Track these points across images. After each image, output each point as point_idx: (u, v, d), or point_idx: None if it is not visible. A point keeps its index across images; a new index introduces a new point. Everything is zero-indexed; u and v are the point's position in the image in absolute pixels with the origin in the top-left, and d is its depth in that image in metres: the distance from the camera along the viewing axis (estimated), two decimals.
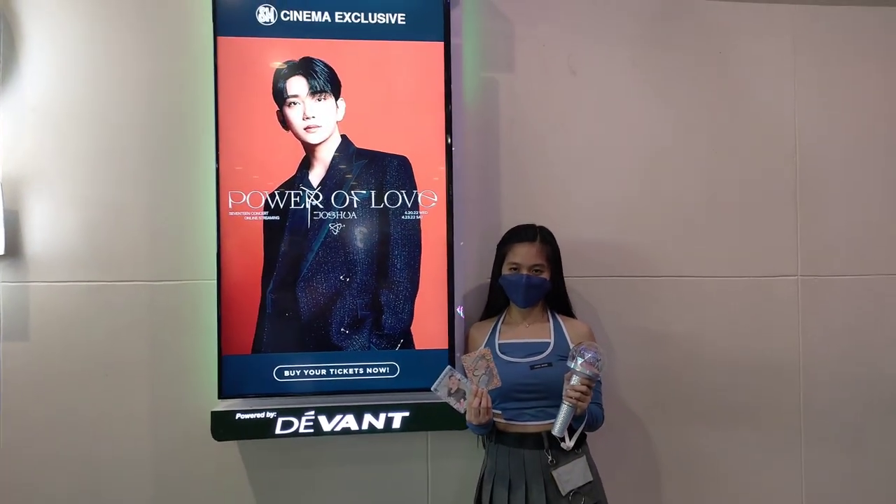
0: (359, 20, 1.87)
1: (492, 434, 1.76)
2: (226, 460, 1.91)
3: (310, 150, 1.86)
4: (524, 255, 1.77)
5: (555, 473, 1.66)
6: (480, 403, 1.62)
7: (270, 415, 1.81)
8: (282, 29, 1.84)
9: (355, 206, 1.86)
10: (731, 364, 2.13)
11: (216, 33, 1.82)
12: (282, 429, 1.81)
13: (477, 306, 1.97)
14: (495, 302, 1.89)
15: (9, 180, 1.85)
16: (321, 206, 1.85)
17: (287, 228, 1.84)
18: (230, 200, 1.82)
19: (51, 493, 1.86)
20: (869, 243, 2.20)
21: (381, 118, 1.88)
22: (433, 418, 1.85)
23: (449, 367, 1.68)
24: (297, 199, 1.84)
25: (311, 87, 1.84)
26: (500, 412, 1.73)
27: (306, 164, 1.85)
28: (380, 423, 1.84)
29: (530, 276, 1.76)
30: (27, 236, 1.86)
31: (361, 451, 1.96)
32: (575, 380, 1.61)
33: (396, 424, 1.85)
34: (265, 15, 1.84)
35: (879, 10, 2.23)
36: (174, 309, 1.90)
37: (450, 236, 1.89)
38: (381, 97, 1.88)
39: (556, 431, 1.62)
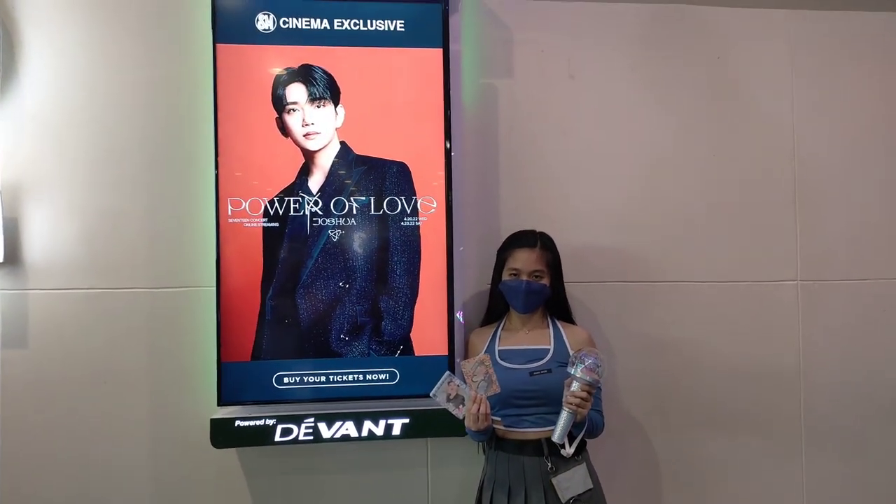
0: (358, 27, 1.87)
1: (491, 441, 1.76)
2: (225, 467, 1.91)
3: (309, 156, 1.86)
4: (524, 260, 1.77)
5: (554, 481, 1.65)
6: (479, 409, 1.62)
7: (270, 422, 1.80)
8: (281, 36, 1.85)
9: (355, 212, 1.86)
10: (732, 369, 2.13)
11: (215, 40, 1.83)
12: (281, 436, 1.81)
13: (477, 312, 1.97)
14: (495, 308, 1.89)
15: (8, 188, 1.85)
16: (320, 213, 1.85)
17: (286, 235, 1.84)
18: (229, 207, 1.82)
19: (49, 499, 1.86)
20: (868, 247, 2.20)
21: (381, 125, 1.88)
22: (433, 425, 1.85)
23: (448, 372, 1.68)
24: (297, 205, 1.84)
25: (310, 94, 1.85)
26: (499, 419, 1.72)
27: (305, 171, 1.86)
28: (380, 430, 1.84)
29: (530, 281, 1.76)
30: (26, 244, 1.86)
31: (361, 458, 1.96)
32: (575, 386, 1.61)
33: (396, 431, 1.84)
34: (264, 22, 1.84)
35: (876, 14, 2.24)
36: (173, 316, 1.90)
37: (449, 242, 1.89)
38: (380, 104, 1.88)
39: (555, 438, 1.61)
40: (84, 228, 1.88)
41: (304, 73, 1.85)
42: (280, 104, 1.84)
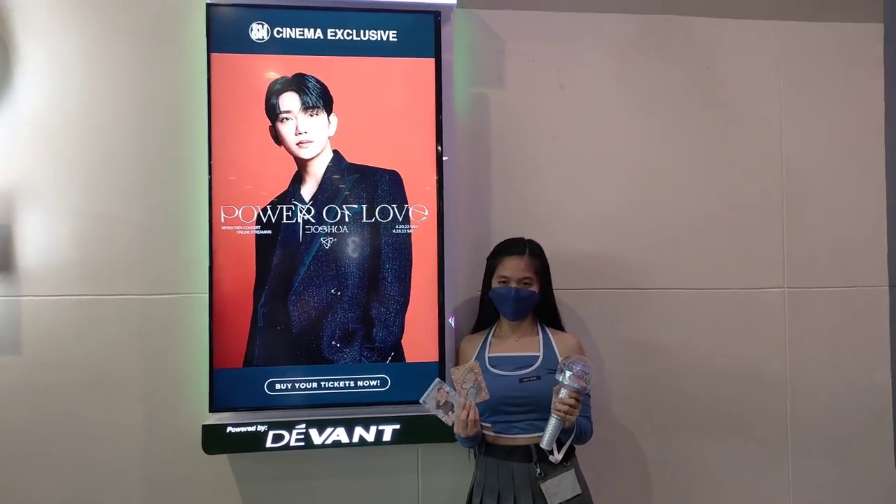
0: (351, 37, 1.89)
1: (481, 447, 1.77)
2: (217, 473, 1.92)
3: (302, 164, 1.88)
4: (513, 268, 1.79)
5: (543, 486, 1.67)
6: (468, 416, 1.64)
7: (261, 428, 1.81)
8: (275, 46, 1.86)
9: (347, 220, 1.88)
10: (720, 375, 2.16)
11: (210, 50, 1.84)
12: (273, 442, 1.82)
13: (468, 319, 1.99)
14: (486, 315, 1.91)
15: (2, 194, 1.86)
16: (313, 221, 1.87)
17: (279, 242, 1.85)
18: (222, 214, 1.84)
19: None
20: (854, 255, 2.23)
21: (373, 133, 1.90)
22: (424, 431, 1.86)
23: (437, 379, 1.70)
24: (289, 213, 1.86)
25: (303, 103, 1.86)
26: (489, 425, 1.74)
27: (298, 179, 1.87)
28: (370, 436, 1.85)
29: (519, 289, 1.78)
30: (20, 250, 1.87)
31: (352, 463, 1.97)
32: (563, 393, 1.63)
33: (387, 437, 1.86)
34: (258, 32, 1.86)
35: (864, 25, 2.27)
36: (166, 322, 1.91)
37: (440, 250, 1.91)
38: (372, 113, 1.90)
39: (544, 444, 1.63)
40: (78, 235, 1.89)
41: (298, 83, 1.87)
42: (273, 113, 1.86)
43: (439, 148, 1.92)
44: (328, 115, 1.88)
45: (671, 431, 2.13)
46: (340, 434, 1.84)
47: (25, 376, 1.86)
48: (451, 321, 1.95)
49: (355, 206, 1.89)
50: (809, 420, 2.19)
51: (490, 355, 1.81)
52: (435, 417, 1.68)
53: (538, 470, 1.68)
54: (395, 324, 1.89)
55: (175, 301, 1.92)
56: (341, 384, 1.86)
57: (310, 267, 1.86)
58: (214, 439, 1.81)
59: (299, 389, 1.85)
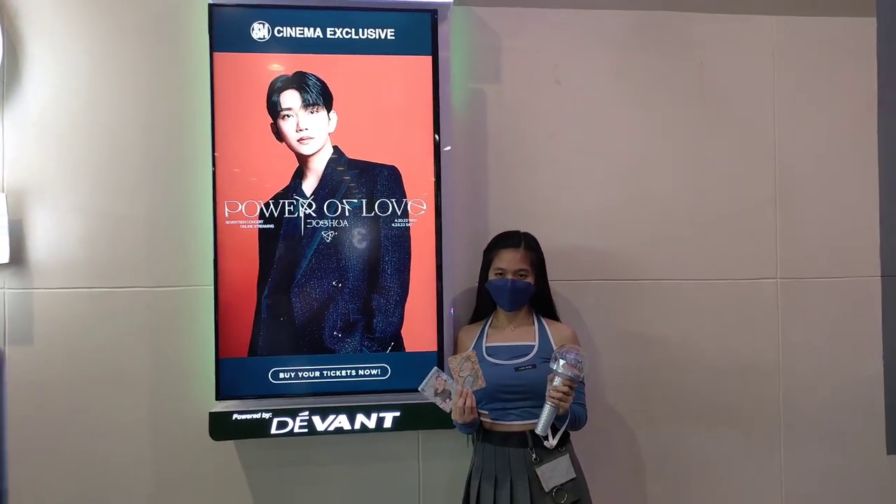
0: (350, 36, 1.93)
1: (479, 433, 1.83)
2: (223, 459, 1.97)
3: (303, 160, 1.93)
4: (509, 260, 1.84)
5: (538, 471, 1.72)
6: (465, 403, 1.69)
7: (266, 415, 1.87)
8: (275, 44, 1.91)
9: (347, 214, 1.93)
10: (713, 365, 2.19)
11: (212, 49, 1.88)
12: (277, 429, 1.87)
13: (466, 310, 2.03)
14: (483, 306, 1.96)
15: (13, 191, 1.92)
16: (314, 215, 1.92)
17: (281, 236, 1.90)
18: (226, 210, 1.89)
19: (52, 492, 1.92)
20: (846, 247, 2.25)
21: (372, 129, 1.94)
22: (423, 418, 1.91)
23: (435, 368, 1.75)
24: (291, 208, 1.91)
25: (304, 101, 1.91)
26: (486, 412, 1.80)
27: (300, 175, 1.92)
28: (372, 423, 1.90)
29: (515, 280, 1.83)
30: (31, 245, 1.93)
31: (354, 449, 2.02)
32: (557, 381, 1.67)
33: (388, 424, 1.91)
34: (259, 31, 1.90)
35: (858, 20, 2.28)
36: (173, 314, 1.96)
37: (438, 243, 1.95)
38: (371, 109, 1.94)
39: (539, 430, 1.68)
40: (86, 230, 1.95)
41: (299, 80, 1.91)
42: (275, 110, 1.91)
43: (436, 143, 1.96)
44: (328, 111, 1.92)
45: (665, 420, 2.17)
46: (342, 421, 1.89)
47: (37, 365, 1.92)
48: (451, 311, 2.00)
49: (355, 200, 1.94)
50: (802, 409, 2.22)
51: (487, 345, 1.86)
52: (434, 405, 1.73)
53: (534, 455, 1.74)
54: (395, 314, 1.94)
55: (181, 293, 1.97)
56: (343, 373, 1.92)
57: (311, 260, 1.91)
58: (221, 426, 1.86)
59: (302, 378, 1.90)
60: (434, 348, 1.95)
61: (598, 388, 2.11)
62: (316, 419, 1.89)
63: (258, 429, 1.87)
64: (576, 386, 1.71)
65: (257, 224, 1.90)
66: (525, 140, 2.14)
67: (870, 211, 2.28)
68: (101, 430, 1.94)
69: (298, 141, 1.91)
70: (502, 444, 1.77)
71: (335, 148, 1.93)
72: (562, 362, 1.68)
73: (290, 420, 1.88)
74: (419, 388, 1.72)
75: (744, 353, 2.21)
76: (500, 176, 2.12)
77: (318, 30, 1.92)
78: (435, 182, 1.96)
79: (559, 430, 1.74)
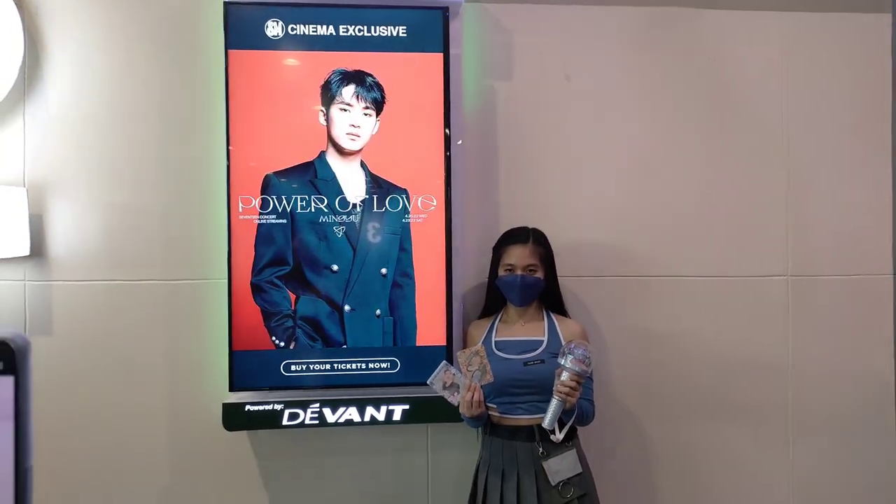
0: (362, 33, 1.95)
1: (487, 426, 1.85)
2: (236, 449, 2.01)
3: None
4: (518, 256, 1.85)
5: (545, 465, 1.74)
6: (473, 397, 1.71)
7: (278, 407, 1.90)
8: (289, 42, 1.93)
9: (358, 209, 1.96)
10: (722, 361, 2.19)
11: (227, 46, 1.91)
12: (288, 420, 1.91)
13: (476, 305, 2.05)
14: (493, 302, 1.97)
15: (33, 186, 1.96)
16: (325, 210, 1.94)
17: (294, 231, 1.93)
18: (240, 205, 1.92)
19: (70, 480, 1.96)
20: (857, 244, 2.24)
21: (383, 126, 1.96)
22: (432, 411, 1.93)
23: (444, 362, 1.77)
24: (303, 203, 1.94)
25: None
26: (494, 406, 1.82)
27: (312, 171, 1.95)
28: (381, 416, 1.93)
29: (525, 275, 1.84)
30: (51, 238, 1.97)
31: (364, 441, 2.05)
32: (565, 376, 1.69)
33: (397, 417, 1.94)
34: (273, 29, 1.93)
35: (870, 16, 2.27)
36: (188, 306, 2.00)
37: (448, 239, 1.97)
38: (383, 106, 1.96)
39: (545, 424, 1.70)
40: (105, 224, 1.99)
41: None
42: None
43: (447, 139, 1.97)
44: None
45: (673, 416, 2.18)
46: (353, 413, 1.92)
47: (57, 356, 1.96)
48: (460, 306, 2.02)
49: (366, 196, 1.96)
50: (812, 405, 2.21)
51: (497, 339, 1.88)
52: (442, 398, 1.76)
53: (541, 449, 1.75)
54: (405, 309, 1.96)
55: (196, 286, 2.00)
56: (353, 366, 1.95)
57: (323, 255, 1.94)
58: (234, 417, 1.90)
59: (314, 371, 1.94)
60: (443, 342, 1.97)
61: (606, 384, 2.12)
62: (327, 411, 1.92)
63: (270, 420, 1.90)
64: (583, 381, 1.72)
65: (270, 219, 1.92)
66: (535, 136, 2.15)
67: (882, 208, 2.27)
68: (117, 419, 1.98)
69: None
70: (510, 437, 1.79)
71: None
72: (570, 357, 1.70)
73: (301, 412, 1.91)
74: (428, 382, 1.75)
75: (754, 350, 2.21)
76: (511, 172, 2.13)
77: (331, 27, 1.94)
78: (445, 177, 1.97)
79: (566, 424, 1.75)
